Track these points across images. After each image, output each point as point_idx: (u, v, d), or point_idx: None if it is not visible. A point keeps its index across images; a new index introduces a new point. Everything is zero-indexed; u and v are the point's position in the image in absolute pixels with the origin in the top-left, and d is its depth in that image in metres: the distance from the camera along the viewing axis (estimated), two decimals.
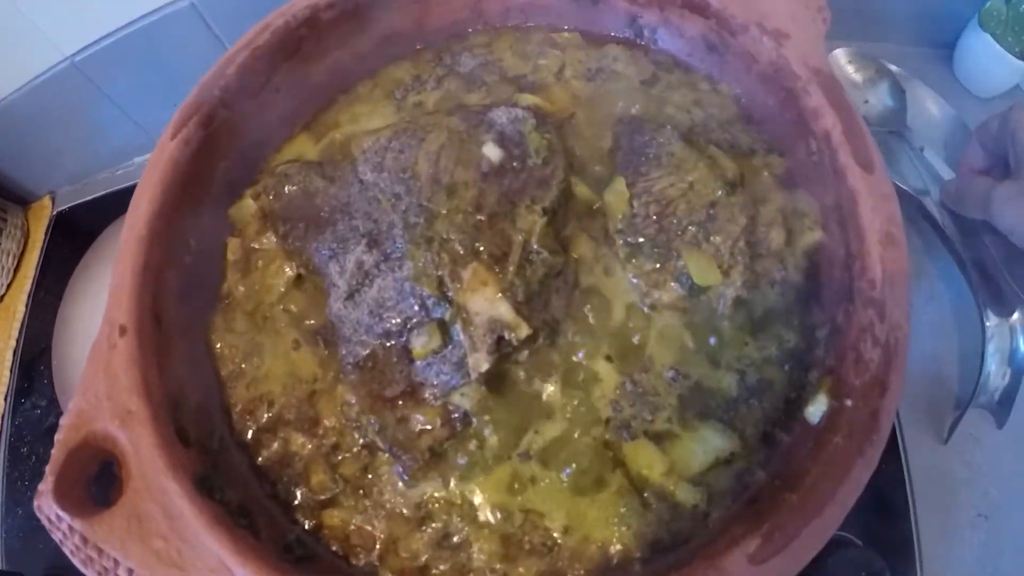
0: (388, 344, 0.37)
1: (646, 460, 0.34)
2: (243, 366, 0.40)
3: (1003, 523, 0.50)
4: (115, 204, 0.75)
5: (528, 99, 0.44)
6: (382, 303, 0.37)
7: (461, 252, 0.36)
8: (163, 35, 0.64)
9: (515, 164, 0.39)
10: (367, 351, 0.37)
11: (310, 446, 0.37)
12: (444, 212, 0.37)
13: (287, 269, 0.43)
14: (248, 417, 0.39)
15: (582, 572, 0.33)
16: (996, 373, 0.51)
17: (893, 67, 0.64)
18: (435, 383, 0.36)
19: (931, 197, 0.55)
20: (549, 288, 0.37)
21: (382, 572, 0.35)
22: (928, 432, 0.52)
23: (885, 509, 0.50)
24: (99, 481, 0.37)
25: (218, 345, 0.41)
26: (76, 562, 0.35)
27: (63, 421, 0.37)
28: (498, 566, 0.34)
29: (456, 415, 0.36)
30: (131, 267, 0.39)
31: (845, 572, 0.45)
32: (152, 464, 0.34)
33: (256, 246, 0.44)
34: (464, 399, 0.36)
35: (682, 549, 0.34)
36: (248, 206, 0.45)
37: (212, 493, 0.34)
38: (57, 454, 0.36)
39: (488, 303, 0.35)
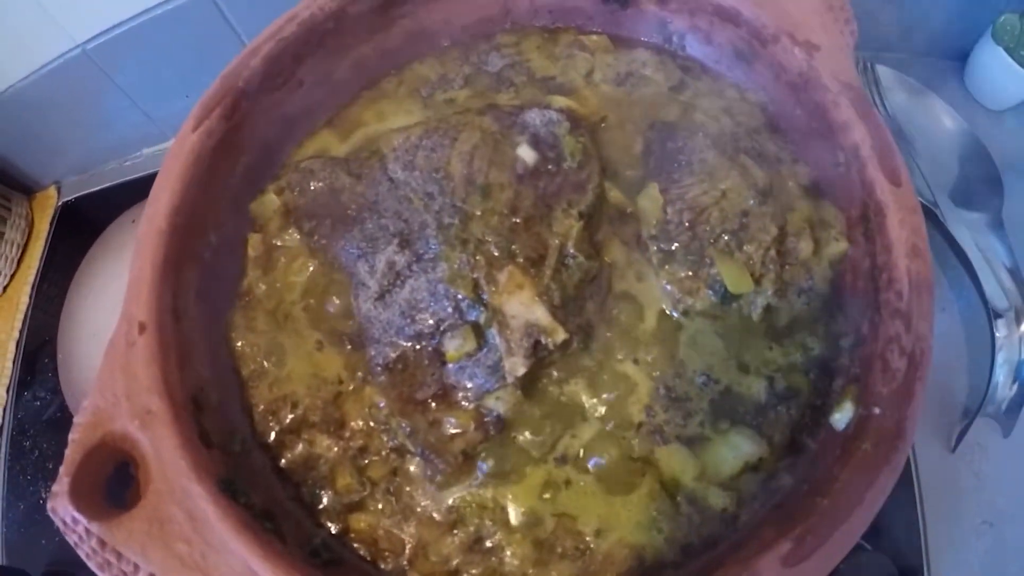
0: (419, 346, 0.37)
1: (679, 464, 0.35)
2: (265, 365, 0.40)
3: (1008, 531, 0.51)
4: (122, 196, 0.74)
5: (560, 101, 0.44)
6: (414, 304, 0.37)
7: (496, 254, 0.36)
8: (178, 25, 0.63)
9: (550, 167, 0.39)
10: (397, 353, 0.36)
11: (336, 448, 0.37)
12: (479, 213, 0.37)
13: (309, 266, 0.42)
14: (271, 418, 0.38)
15: None
16: (1004, 383, 0.52)
17: (908, 78, 0.65)
18: (469, 386, 0.36)
19: (939, 207, 0.56)
20: (584, 293, 0.37)
21: None
22: (936, 440, 0.53)
23: (895, 515, 0.50)
24: (110, 482, 0.37)
25: (239, 344, 0.41)
26: (92, 566, 0.34)
27: (78, 420, 0.36)
28: (531, 571, 0.33)
29: (489, 419, 0.35)
30: (151, 262, 0.38)
31: None
32: (175, 466, 0.33)
33: (278, 243, 0.43)
34: (499, 403, 0.35)
35: (712, 552, 0.34)
36: (271, 201, 0.44)
37: (236, 496, 0.34)
38: (73, 454, 0.35)
39: (525, 307, 0.35)
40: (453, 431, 0.35)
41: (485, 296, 0.36)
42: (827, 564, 0.31)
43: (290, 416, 0.38)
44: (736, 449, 0.35)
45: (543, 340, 0.35)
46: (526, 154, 0.39)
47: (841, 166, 0.40)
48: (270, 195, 0.44)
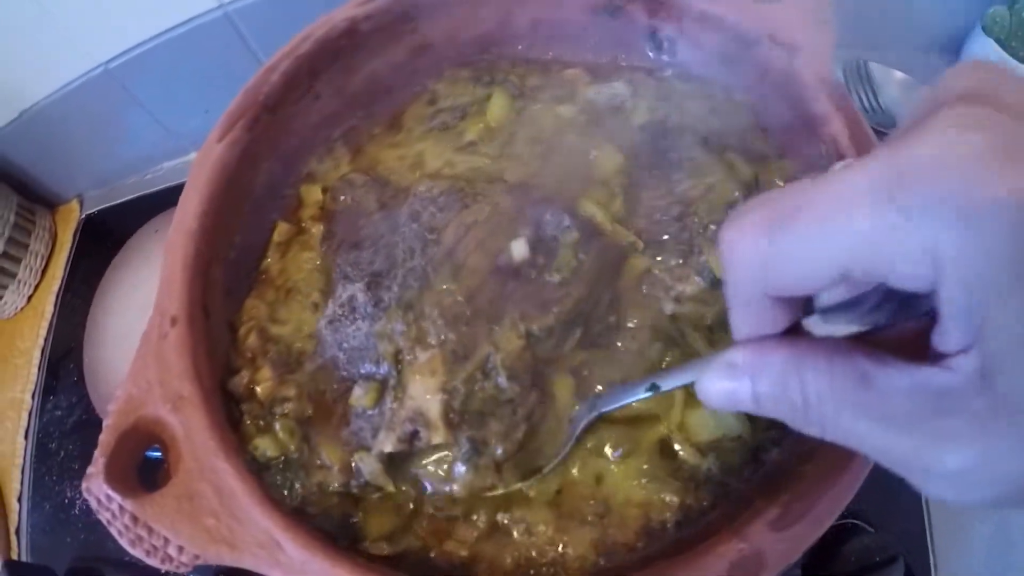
0: (342, 375, 0.38)
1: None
2: (260, 323, 0.43)
3: (1013, 513, 0.52)
4: (144, 208, 0.77)
5: (591, 210, 0.40)
6: (351, 343, 0.38)
7: (430, 334, 0.36)
8: (197, 44, 0.66)
9: (532, 273, 0.37)
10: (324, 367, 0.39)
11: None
12: (441, 288, 0.37)
13: (317, 261, 0.46)
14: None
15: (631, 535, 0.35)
16: None
17: (899, 73, 0.67)
18: (353, 432, 0.37)
19: None
20: (493, 412, 0.35)
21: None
22: None
23: (898, 496, 0.51)
24: (140, 467, 0.39)
25: (244, 311, 0.44)
26: (124, 542, 0.36)
27: (112, 407, 0.39)
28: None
29: (357, 476, 0.36)
30: (181, 260, 0.41)
31: (860, 558, 0.47)
32: (204, 446, 0.36)
33: (306, 226, 0.47)
34: (363, 464, 0.36)
35: (709, 516, 0.36)
36: (316, 191, 0.48)
37: (260, 473, 0.36)
38: (107, 438, 0.38)
39: (424, 394, 0.35)
40: (320, 463, 0.37)
41: (400, 367, 0.36)
42: (816, 528, 0.32)
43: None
44: (719, 418, 0.36)
45: (421, 433, 0.35)
46: (517, 250, 0.38)
47: (823, 158, 0.43)
48: (318, 186, 0.48)
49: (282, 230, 0.48)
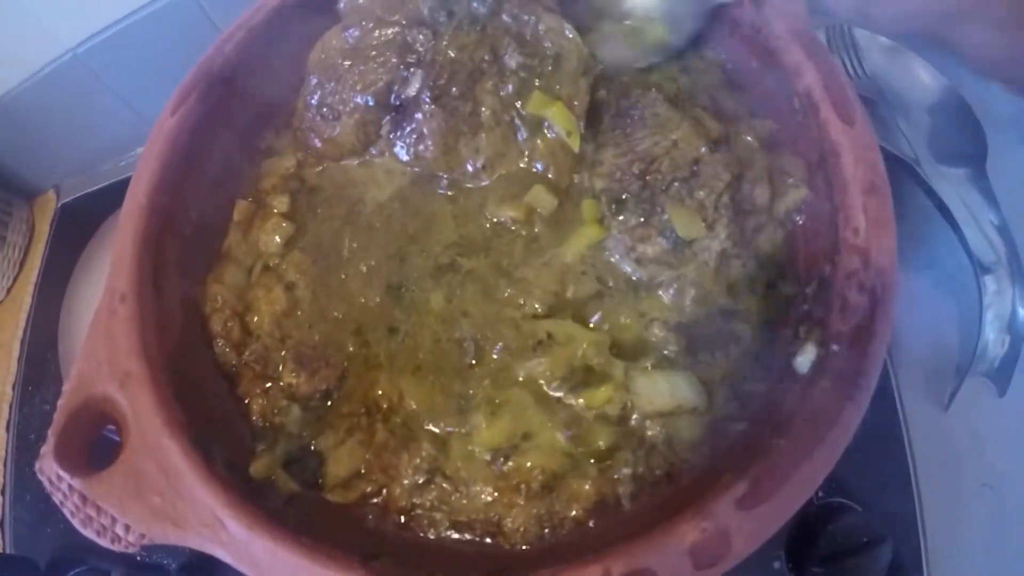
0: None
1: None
2: (226, 304, 0.42)
3: (1008, 493, 0.50)
4: (118, 194, 0.74)
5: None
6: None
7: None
8: (163, 25, 0.65)
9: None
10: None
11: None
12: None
13: (284, 224, 0.44)
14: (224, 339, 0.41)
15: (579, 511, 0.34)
16: (995, 340, 0.51)
17: (884, 39, 0.65)
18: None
19: (921, 164, 0.56)
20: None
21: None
22: (928, 400, 0.52)
23: (885, 477, 0.49)
24: (95, 445, 0.38)
25: (208, 294, 0.43)
26: (76, 523, 0.35)
27: (65, 386, 0.38)
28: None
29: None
30: (131, 236, 0.40)
31: (846, 539, 0.45)
32: (150, 423, 0.35)
33: (270, 202, 0.46)
34: None
35: (668, 489, 0.34)
36: (283, 165, 0.47)
37: (208, 450, 0.35)
38: (58, 417, 0.37)
39: None
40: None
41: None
42: (785, 509, 0.30)
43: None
44: (674, 386, 0.35)
45: None
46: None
47: (798, 112, 0.41)
48: (288, 157, 0.47)
49: (241, 208, 0.46)
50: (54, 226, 0.79)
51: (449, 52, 0.43)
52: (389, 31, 0.45)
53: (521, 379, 0.37)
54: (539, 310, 0.38)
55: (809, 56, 0.39)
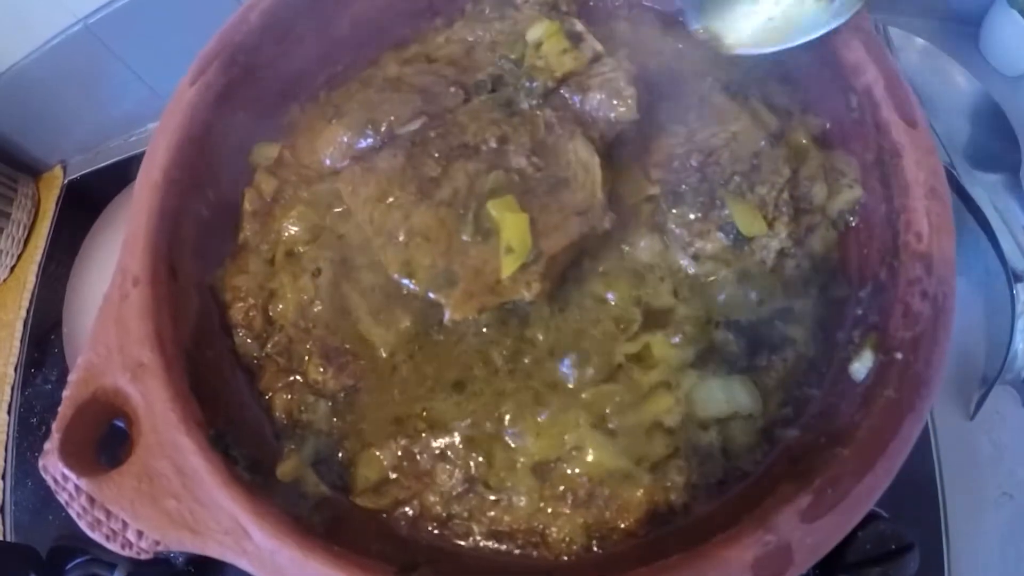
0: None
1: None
2: (250, 300, 0.39)
3: None
4: (127, 172, 0.73)
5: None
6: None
7: None
8: None
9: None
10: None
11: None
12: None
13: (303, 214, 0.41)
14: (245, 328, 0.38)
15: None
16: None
17: (919, 39, 0.62)
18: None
19: (955, 168, 0.54)
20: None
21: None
22: (954, 408, 0.51)
23: (913, 484, 0.48)
24: (109, 445, 0.35)
25: (229, 290, 0.40)
26: (83, 525, 0.33)
27: (71, 376, 0.35)
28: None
29: None
30: (146, 215, 0.37)
31: (874, 545, 0.43)
32: (165, 419, 0.32)
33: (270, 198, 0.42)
34: None
35: (723, 498, 0.33)
36: (270, 151, 0.44)
37: (228, 450, 0.32)
38: (64, 410, 0.34)
39: None
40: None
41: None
42: (847, 521, 0.29)
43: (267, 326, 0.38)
44: (730, 393, 0.33)
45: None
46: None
47: (855, 111, 0.39)
48: (273, 145, 0.44)
49: (251, 197, 0.43)
50: (60, 204, 0.77)
51: (460, 117, 0.39)
52: (429, 78, 0.42)
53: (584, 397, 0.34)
54: None
55: (870, 53, 0.37)
